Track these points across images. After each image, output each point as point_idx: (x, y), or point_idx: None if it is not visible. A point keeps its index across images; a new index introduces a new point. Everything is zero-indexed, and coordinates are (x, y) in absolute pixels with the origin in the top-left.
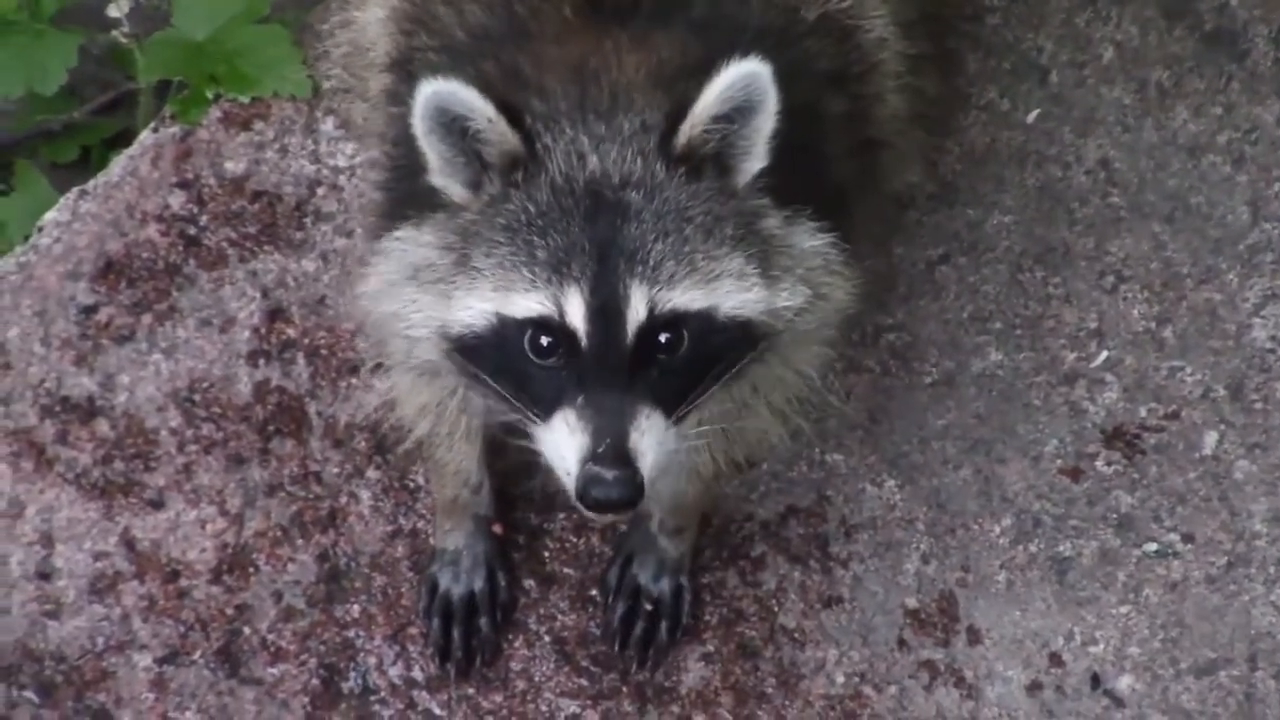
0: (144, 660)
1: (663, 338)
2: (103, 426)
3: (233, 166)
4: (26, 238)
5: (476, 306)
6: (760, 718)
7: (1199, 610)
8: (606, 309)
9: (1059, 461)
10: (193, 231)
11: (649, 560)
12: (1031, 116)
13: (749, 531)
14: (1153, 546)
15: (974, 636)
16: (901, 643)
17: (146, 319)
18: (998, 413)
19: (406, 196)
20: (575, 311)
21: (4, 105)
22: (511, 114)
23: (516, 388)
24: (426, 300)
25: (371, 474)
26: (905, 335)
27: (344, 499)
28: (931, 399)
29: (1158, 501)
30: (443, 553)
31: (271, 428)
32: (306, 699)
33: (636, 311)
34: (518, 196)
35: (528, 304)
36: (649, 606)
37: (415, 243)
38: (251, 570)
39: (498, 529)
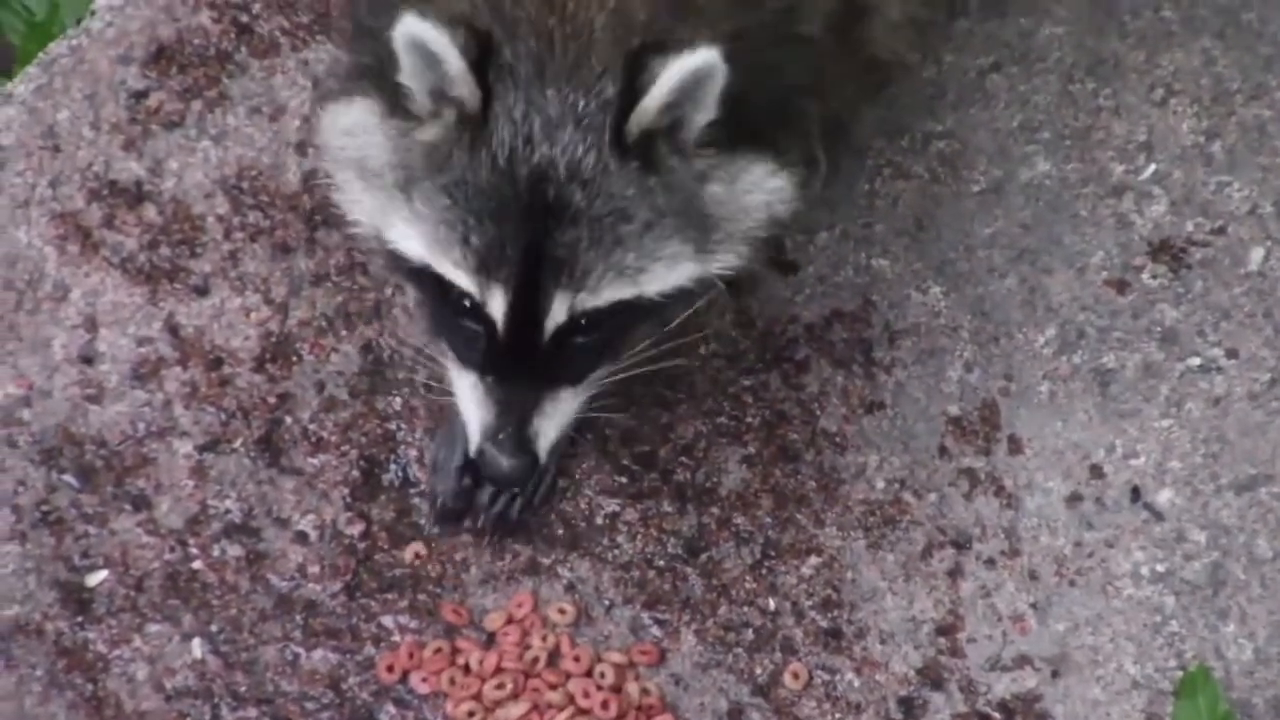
0: (185, 447)
1: (580, 335)
2: (150, 212)
3: None
4: (79, 21)
5: (412, 248)
6: (799, 521)
7: (1240, 426)
8: (526, 313)
9: (1104, 273)
10: (245, 19)
11: None
12: None
13: (793, 334)
14: (1196, 361)
15: (1015, 446)
16: (942, 450)
17: (196, 105)
18: (1044, 223)
19: (370, 70)
20: (497, 308)
21: None
22: (481, 61)
23: (437, 322)
24: (369, 203)
25: None
26: (954, 143)
27: (389, 290)
28: (979, 207)
29: (1202, 316)
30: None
31: (319, 217)
32: (346, 490)
33: (556, 317)
34: (460, 157)
35: (456, 276)
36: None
37: (366, 132)
38: (295, 360)
39: None
